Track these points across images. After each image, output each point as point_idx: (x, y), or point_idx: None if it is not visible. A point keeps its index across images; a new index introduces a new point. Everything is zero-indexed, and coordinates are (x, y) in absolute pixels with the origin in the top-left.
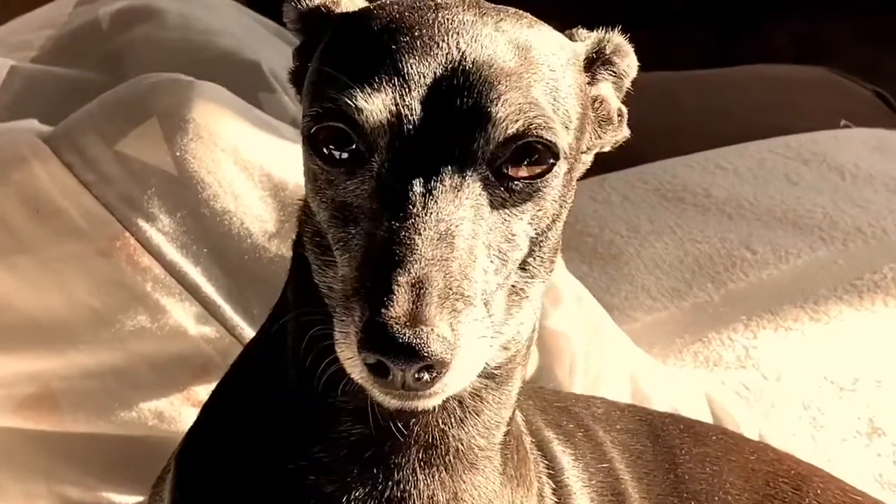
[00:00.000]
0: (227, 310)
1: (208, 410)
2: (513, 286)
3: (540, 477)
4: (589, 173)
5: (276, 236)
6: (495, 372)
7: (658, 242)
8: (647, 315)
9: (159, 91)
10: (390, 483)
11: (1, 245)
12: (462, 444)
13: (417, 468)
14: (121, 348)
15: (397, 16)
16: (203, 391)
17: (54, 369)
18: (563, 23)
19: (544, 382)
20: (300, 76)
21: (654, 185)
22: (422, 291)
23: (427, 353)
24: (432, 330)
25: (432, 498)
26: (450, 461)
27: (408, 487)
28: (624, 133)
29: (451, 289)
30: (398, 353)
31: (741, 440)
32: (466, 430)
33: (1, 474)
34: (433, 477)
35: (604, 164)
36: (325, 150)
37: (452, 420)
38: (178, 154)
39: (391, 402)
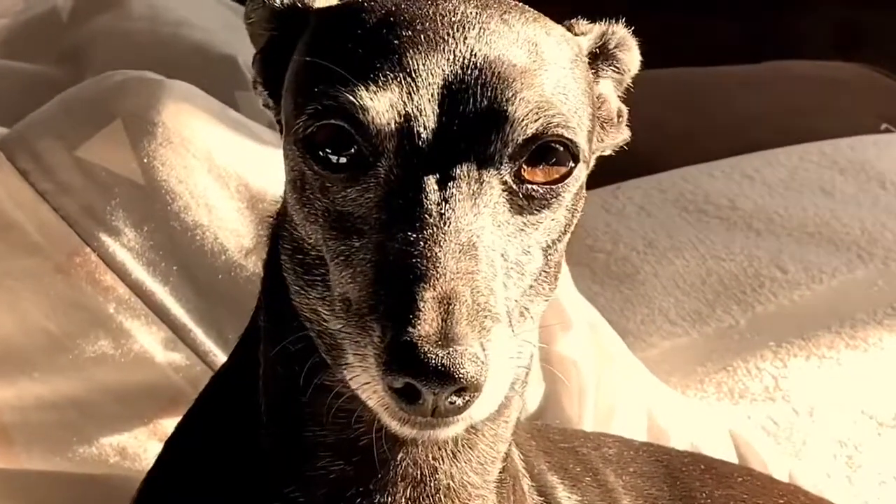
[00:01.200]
0: (199, 334)
1: (171, 448)
2: None
3: None
4: (601, 181)
5: (254, 252)
6: None
7: (678, 260)
8: (666, 341)
9: (125, 90)
10: None
11: None
12: (454, 481)
13: None
14: (80, 377)
15: (393, 8)
16: (171, 425)
17: (6, 399)
18: (573, 6)
19: (551, 415)
20: (271, 80)
21: (674, 196)
22: (450, 308)
23: (461, 374)
24: (466, 349)
25: None
26: (440, 500)
27: None
28: (624, 135)
29: (478, 304)
30: (432, 375)
31: (769, 482)
32: (459, 465)
33: None
34: None
35: (618, 170)
36: (321, 154)
37: (444, 454)
38: (145, 161)
39: (408, 432)
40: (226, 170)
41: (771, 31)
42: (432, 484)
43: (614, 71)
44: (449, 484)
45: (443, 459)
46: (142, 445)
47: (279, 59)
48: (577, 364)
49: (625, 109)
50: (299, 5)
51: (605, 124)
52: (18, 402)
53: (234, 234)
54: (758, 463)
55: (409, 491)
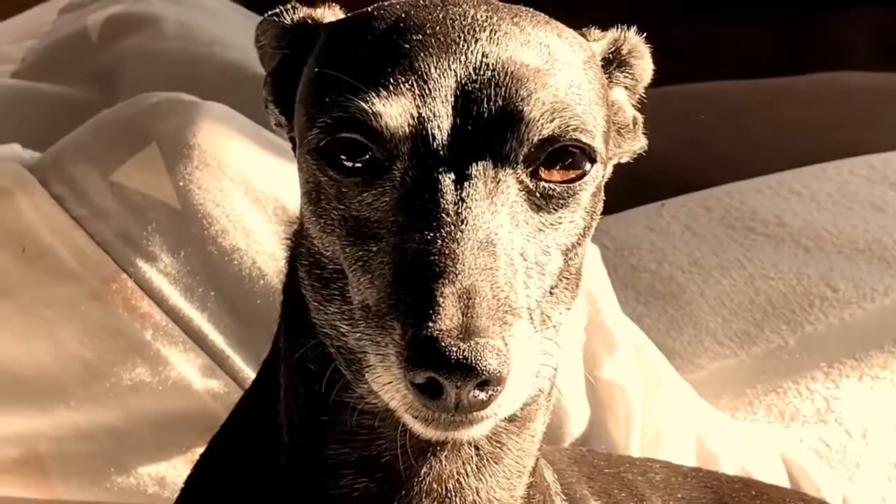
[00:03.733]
0: (237, 361)
1: (197, 471)
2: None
3: None
4: (645, 199)
5: None
6: (517, 413)
7: (725, 279)
8: (713, 362)
9: (160, 113)
10: None
11: None
12: (480, 497)
13: None
14: (117, 405)
15: (402, 14)
16: None
17: (41, 429)
18: (610, 13)
19: (596, 441)
20: (283, 99)
21: (720, 213)
22: (470, 302)
23: (484, 367)
24: (488, 342)
25: None
26: None
27: None
28: (641, 142)
29: (499, 300)
30: (454, 368)
31: None
32: (485, 479)
33: None
34: None
35: (662, 188)
36: (335, 160)
37: (468, 469)
38: (181, 184)
39: (432, 433)
40: (263, 192)
41: (812, 39)
42: (457, 500)
43: (627, 77)
44: (475, 500)
45: (468, 474)
46: (180, 475)
47: (291, 77)
48: (624, 389)
49: (640, 118)
50: (310, 21)
51: (621, 130)
52: (55, 432)
53: (273, 258)
54: (811, 487)
55: None
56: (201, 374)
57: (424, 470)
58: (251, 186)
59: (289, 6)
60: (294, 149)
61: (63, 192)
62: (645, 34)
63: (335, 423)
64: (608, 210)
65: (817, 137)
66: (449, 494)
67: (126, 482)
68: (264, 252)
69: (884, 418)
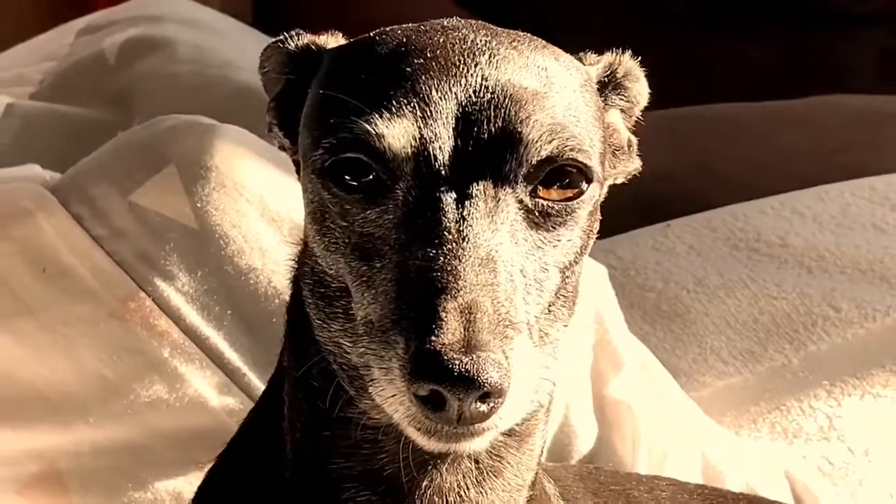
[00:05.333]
0: (253, 378)
1: (202, 491)
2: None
3: None
4: (651, 220)
5: None
6: (515, 428)
7: (729, 298)
8: (718, 380)
9: (177, 135)
10: None
11: (3, 309)
12: None
13: None
14: (135, 422)
15: (404, 39)
16: None
17: (61, 446)
18: (616, 32)
19: (604, 459)
20: (286, 124)
21: (724, 234)
22: (472, 317)
23: (485, 379)
24: (489, 355)
25: None
26: None
27: None
28: (636, 164)
29: (499, 315)
30: (457, 380)
31: None
32: (485, 493)
33: None
34: None
35: (668, 209)
36: (340, 180)
37: (469, 482)
38: (198, 205)
39: (435, 445)
40: (279, 213)
41: (815, 58)
42: None
43: (622, 100)
44: None
45: (468, 487)
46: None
47: (295, 101)
48: (631, 407)
49: (634, 140)
50: (313, 47)
51: (616, 152)
52: (74, 448)
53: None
54: None
55: None
56: (218, 391)
57: (426, 483)
58: (267, 208)
59: (293, 32)
60: (298, 171)
61: (83, 213)
62: (650, 53)
63: (338, 438)
64: (615, 230)
65: (820, 160)
66: None
67: (143, 497)
68: (280, 272)
69: (886, 436)
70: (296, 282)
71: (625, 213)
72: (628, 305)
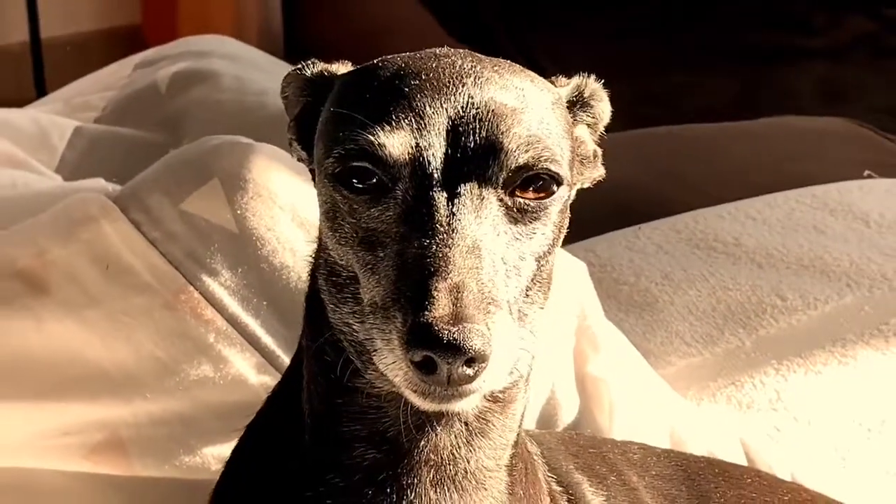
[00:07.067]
0: (286, 360)
1: (236, 452)
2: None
3: None
4: (624, 223)
5: None
6: (500, 395)
7: (691, 290)
8: (682, 360)
9: (220, 153)
10: (404, 502)
11: (73, 300)
12: (469, 464)
13: (429, 487)
14: (185, 397)
15: (403, 64)
16: None
17: (122, 417)
18: (592, 65)
19: (584, 428)
20: (304, 139)
21: (687, 235)
22: (459, 295)
23: (470, 346)
24: (474, 326)
25: None
26: (458, 481)
27: None
28: (600, 171)
29: (483, 294)
30: (446, 348)
31: (775, 481)
32: (474, 451)
33: None
34: (444, 495)
35: (639, 214)
36: (348, 183)
37: (460, 442)
38: (238, 212)
39: (428, 405)
40: (307, 219)
41: (766, 86)
42: (451, 467)
43: (589, 116)
44: (466, 468)
45: (460, 446)
46: None
47: (310, 121)
48: (608, 383)
49: (599, 151)
50: (326, 73)
51: (583, 161)
52: (133, 420)
53: None
54: (764, 466)
55: (432, 473)
56: (256, 370)
57: (423, 442)
58: (297, 213)
59: (309, 61)
60: (313, 178)
61: (140, 219)
62: (622, 85)
63: (348, 405)
64: (594, 233)
65: (769, 171)
66: (444, 463)
67: (193, 461)
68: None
69: (826, 407)
70: (312, 274)
71: (602, 218)
72: (605, 297)
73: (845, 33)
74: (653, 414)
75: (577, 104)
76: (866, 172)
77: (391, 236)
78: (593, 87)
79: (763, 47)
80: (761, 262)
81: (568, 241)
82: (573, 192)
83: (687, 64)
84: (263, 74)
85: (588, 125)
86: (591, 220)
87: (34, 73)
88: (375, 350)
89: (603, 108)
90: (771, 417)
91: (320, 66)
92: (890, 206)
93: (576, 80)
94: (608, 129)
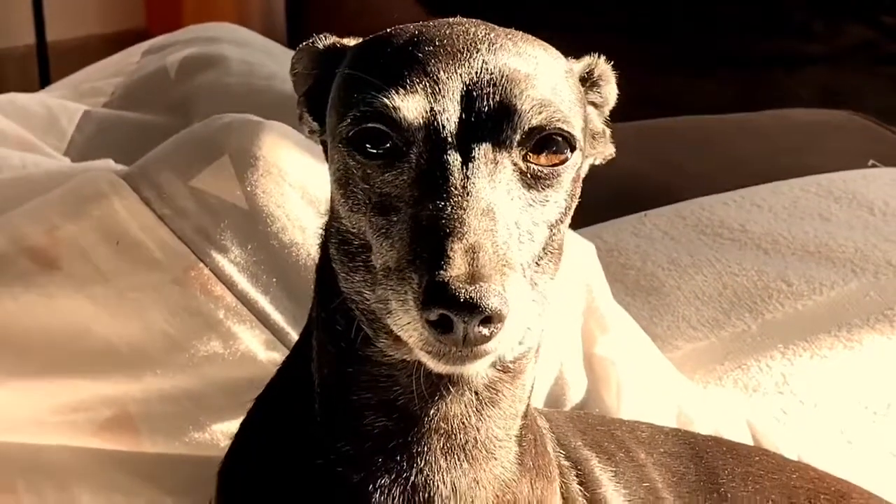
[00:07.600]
0: (295, 336)
1: (245, 423)
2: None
3: (567, 477)
4: (631, 210)
5: None
6: (510, 365)
7: (698, 275)
8: (689, 344)
9: (231, 130)
10: (414, 470)
11: (82, 276)
12: (480, 433)
13: (439, 455)
14: (195, 373)
15: (417, 32)
16: None
17: (132, 393)
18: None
19: (592, 407)
20: (314, 112)
21: (693, 222)
22: (475, 255)
23: (487, 304)
24: (490, 286)
25: (454, 483)
26: (469, 450)
27: (430, 474)
28: (611, 149)
29: (498, 255)
30: (462, 306)
31: (783, 460)
32: (484, 420)
33: (83, 493)
34: (454, 464)
35: (646, 201)
36: (362, 147)
37: (470, 411)
38: (248, 189)
39: (443, 367)
40: (316, 196)
41: (764, 93)
42: (461, 436)
43: (597, 96)
44: (476, 437)
45: (470, 416)
46: None
47: (322, 94)
48: (615, 363)
49: (607, 130)
50: (338, 45)
51: (594, 136)
52: (143, 396)
53: None
54: (771, 447)
55: (442, 441)
56: (265, 347)
57: (433, 411)
58: (307, 191)
59: (321, 35)
60: (325, 151)
61: (150, 196)
62: (627, 89)
63: (359, 374)
64: (601, 219)
65: (773, 161)
66: (454, 431)
67: (202, 437)
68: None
69: (830, 390)
70: (323, 245)
71: (609, 205)
72: (612, 281)
73: (844, 40)
74: (660, 395)
75: (586, 82)
76: (871, 161)
77: (405, 200)
78: (603, 67)
79: (763, 53)
80: (767, 248)
81: (573, 228)
82: (586, 165)
83: (687, 69)
84: (272, 59)
85: (595, 105)
86: (598, 207)
87: (40, 75)
88: (390, 312)
89: (610, 91)
90: (777, 400)
91: (332, 39)
92: (894, 194)
93: (587, 58)
94: (611, 120)
